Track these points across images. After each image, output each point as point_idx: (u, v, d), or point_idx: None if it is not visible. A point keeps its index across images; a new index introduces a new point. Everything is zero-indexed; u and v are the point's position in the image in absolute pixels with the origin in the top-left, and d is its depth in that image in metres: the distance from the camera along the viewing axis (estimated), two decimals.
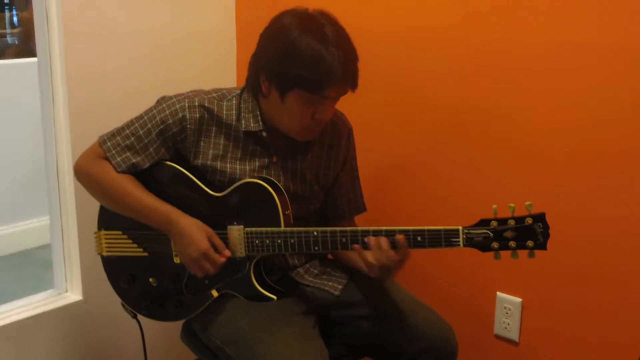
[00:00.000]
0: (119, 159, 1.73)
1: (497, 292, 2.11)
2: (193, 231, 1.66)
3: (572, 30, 1.84)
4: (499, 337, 2.13)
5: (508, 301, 2.09)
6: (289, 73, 1.60)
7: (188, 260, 1.68)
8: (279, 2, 2.39)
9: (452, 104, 2.10)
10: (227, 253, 1.67)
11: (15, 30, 5.04)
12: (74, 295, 2.29)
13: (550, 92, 1.91)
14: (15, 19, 5.12)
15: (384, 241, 1.56)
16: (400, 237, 1.55)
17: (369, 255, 1.58)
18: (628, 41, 1.76)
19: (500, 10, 1.96)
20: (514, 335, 2.09)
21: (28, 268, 3.71)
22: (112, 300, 1.91)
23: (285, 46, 1.59)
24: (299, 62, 1.57)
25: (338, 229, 1.62)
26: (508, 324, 2.09)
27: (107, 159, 1.74)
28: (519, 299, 2.07)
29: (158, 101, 1.77)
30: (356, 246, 1.58)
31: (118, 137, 1.74)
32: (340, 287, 1.84)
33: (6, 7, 5.14)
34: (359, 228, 1.60)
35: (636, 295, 1.85)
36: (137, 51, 2.32)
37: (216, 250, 1.67)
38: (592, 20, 1.81)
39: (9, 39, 5.02)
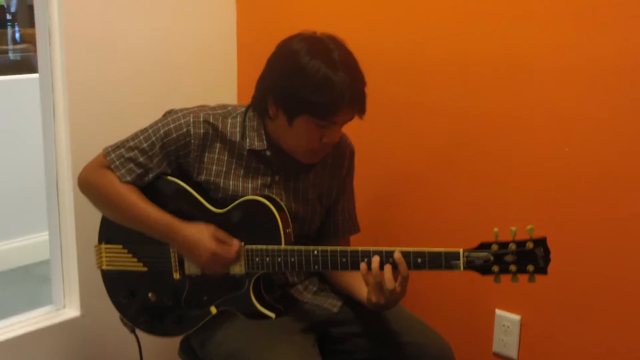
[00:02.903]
0: (123, 170, 1.74)
1: (496, 309, 2.11)
2: (196, 236, 1.66)
3: (574, 45, 1.85)
4: (497, 355, 2.13)
5: (507, 318, 2.09)
6: (298, 99, 1.60)
7: (202, 264, 1.69)
8: (280, 19, 2.44)
9: (453, 124, 2.11)
10: (237, 243, 1.67)
11: (18, 47, 5.07)
12: (71, 311, 2.29)
13: (555, 111, 1.91)
14: (17, 35, 5.16)
15: (387, 266, 1.56)
16: (398, 256, 1.55)
17: (371, 277, 1.57)
18: (630, 50, 1.77)
19: (501, 26, 1.97)
20: (512, 352, 2.09)
21: (26, 284, 3.70)
22: (110, 316, 1.90)
23: (295, 72, 1.60)
24: (309, 88, 1.58)
25: (338, 248, 1.62)
26: (507, 342, 2.09)
27: (111, 170, 1.75)
28: (517, 316, 2.07)
29: (164, 115, 1.79)
30: (363, 264, 1.57)
31: (122, 149, 1.75)
32: (339, 304, 1.84)
33: (8, 24, 5.17)
34: (359, 248, 1.60)
35: (636, 313, 1.85)
36: (138, 67, 2.33)
37: (225, 244, 1.67)
38: (594, 30, 1.82)
39: (11, 55, 5.05)
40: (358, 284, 1.72)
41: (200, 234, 1.67)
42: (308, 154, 1.71)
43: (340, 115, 1.62)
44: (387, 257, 1.57)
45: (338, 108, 1.59)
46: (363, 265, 1.57)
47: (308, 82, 1.58)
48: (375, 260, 1.56)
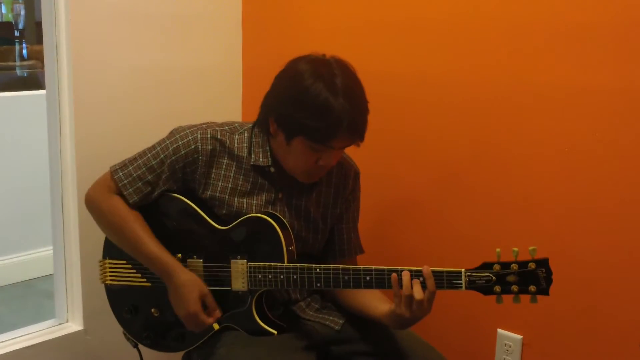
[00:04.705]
0: (130, 189, 1.76)
1: (498, 329, 2.11)
2: (186, 291, 1.68)
3: (577, 73, 1.87)
4: None
5: (509, 338, 2.09)
6: (295, 120, 1.62)
7: (179, 315, 1.71)
8: (285, 40, 2.46)
9: (455, 145, 2.13)
10: (218, 314, 1.70)
11: (25, 63, 5.10)
12: (74, 325, 2.30)
13: (558, 132, 1.93)
14: (25, 51, 5.19)
15: (415, 280, 1.55)
16: (427, 270, 1.54)
17: (401, 291, 1.55)
18: (631, 85, 1.79)
19: (506, 51, 2.00)
20: None
21: (30, 298, 3.71)
22: (113, 330, 1.91)
23: (296, 93, 1.61)
24: (307, 110, 1.59)
25: (340, 266, 1.63)
26: None
27: (119, 189, 1.76)
28: (519, 336, 2.07)
29: (171, 132, 1.80)
30: (394, 276, 1.55)
31: (130, 168, 1.77)
32: (341, 322, 1.84)
33: (16, 40, 5.21)
34: (361, 267, 1.61)
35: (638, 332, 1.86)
36: (144, 86, 2.35)
37: (208, 310, 1.70)
38: (598, 62, 1.84)
39: (18, 72, 5.08)
40: (373, 301, 1.72)
41: (190, 290, 1.68)
42: (304, 174, 1.72)
43: (336, 141, 1.62)
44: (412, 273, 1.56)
45: (334, 134, 1.60)
46: (394, 277, 1.56)
47: (307, 105, 1.59)
48: (406, 274, 1.56)
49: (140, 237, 1.73)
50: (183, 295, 1.68)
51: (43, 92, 2.28)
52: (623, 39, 1.79)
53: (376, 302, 1.71)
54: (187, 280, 1.69)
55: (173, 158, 1.74)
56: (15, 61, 5.15)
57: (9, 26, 5.55)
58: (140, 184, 1.76)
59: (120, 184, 1.76)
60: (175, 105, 2.43)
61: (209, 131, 1.76)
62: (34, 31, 5.42)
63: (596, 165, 1.87)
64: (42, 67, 2.26)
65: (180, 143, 1.74)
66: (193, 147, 1.74)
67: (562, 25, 1.88)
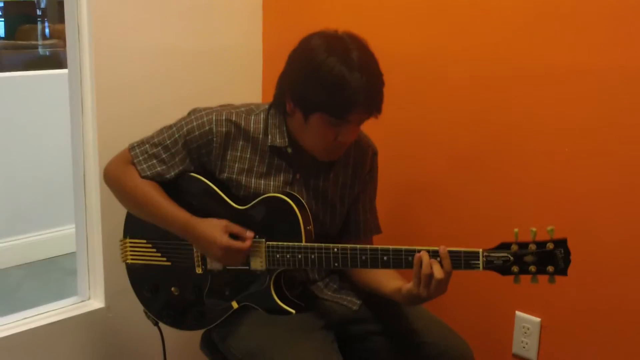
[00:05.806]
0: (144, 165, 1.77)
1: (516, 311, 2.10)
2: (209, 232, 1.68)
3: (598, 55, 1.85)
4: (517, 357, 2.12)
5: (527, 320, 2.08)
6: (312, 96, 1.61)
7: (216, 259, 1.72)
8: (305, 21, 2.45)
9: (474, 125, 2.11)
10: (250, 235, 1.69)
11: (47, 42, 5.12)
12: (96, 302, 2.33)
13: (577, 113, 1.91)
14: (47, 30, 5.22)
15: (432, 260, 1.55)
16: (443, 251, 1.54)
17: (421, 270, 1.55)
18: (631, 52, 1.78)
19: (528, 32, 1.98)
20: (532, 355, 2.08)
21: (52, 275, 3.76)
22: (134, 308, 1.94)
23: (310, 69, 1.61)
24: (323, 86, 1.59)
25: (358, 246, 1.63)
26: (527, 344, 2.09)
27: (134, 165, 1.78)
28: (537, 319, 2.06)
29: (189, 113, 1.81)
30: (417, 256, 1.55)
31: (146, 145, 1.79)
32: (358, 302, 1.85)
33: (38, 19, 5.23)
34: (379, 247, 1.61)
35: None
36: (165, 66, 2.36)
37: (238, 237, 1.69)
38: (620, 44, 1.82)
39: (40, 51, 5.11)
40: (386, 278, 1.72)
41: (213, 229, 1.68)
42: (324, 152, 1.72)
43: (354, 114, 1.61)
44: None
45: (351, 107, 1.59)
46: (418, 257, 1.56)
47: (322, 80, 1.59)
48: (425, 254, 1.56)
49: (155, 201, 1.75)
50: (208, 238, 1.68)
51: (65, 71, 2.29)
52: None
53: (389, 279, 1.71)
54: (207, 224, 1.70)
55: (187, 138, 1.75)
56: (37, 40, 5.18)
57: (31, 5, 5.58)
58: (154, 161, 1.78)
59: (135, 160, 1.78)
60: (195, 85, 2.43)
61: (224, 113, 1.76)
62: (56, 10, 5.44)
63: (615, 145, 1.85)
64: (64, 46, 2.26)
65: (195, 124, 1.75)
66: (207, 128, 1.74)
67: (587, 5, 1.86)
